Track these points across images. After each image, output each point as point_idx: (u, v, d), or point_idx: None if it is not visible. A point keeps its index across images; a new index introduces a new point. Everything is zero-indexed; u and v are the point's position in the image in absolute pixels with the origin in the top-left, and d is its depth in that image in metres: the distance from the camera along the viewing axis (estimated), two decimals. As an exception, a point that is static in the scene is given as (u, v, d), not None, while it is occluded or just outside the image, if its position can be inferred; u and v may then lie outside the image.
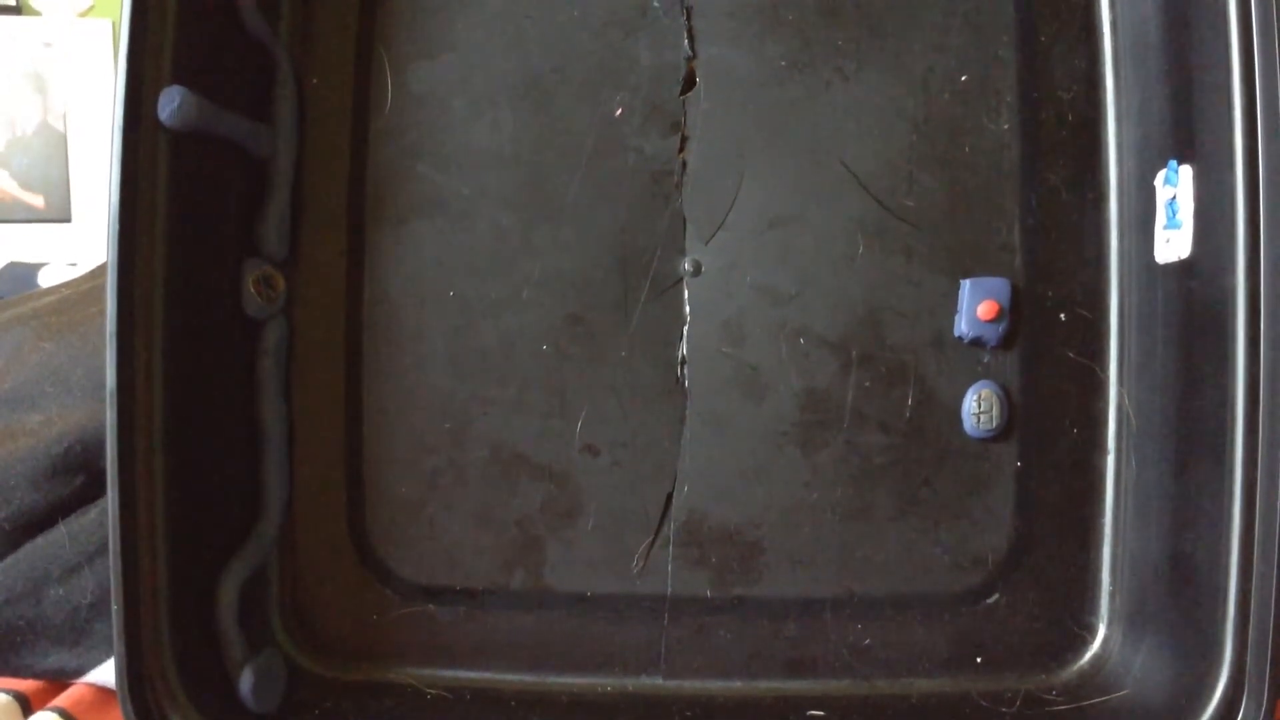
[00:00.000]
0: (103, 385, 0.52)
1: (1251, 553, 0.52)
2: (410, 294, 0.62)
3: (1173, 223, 0.57)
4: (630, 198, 0.62)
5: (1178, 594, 0.57)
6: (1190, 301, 0.57)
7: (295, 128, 0.61)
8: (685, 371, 0.62)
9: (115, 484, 0.51)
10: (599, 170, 0.62)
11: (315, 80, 0.62)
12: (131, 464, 0.52)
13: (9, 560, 0.61)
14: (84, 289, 0.73)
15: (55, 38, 2.30)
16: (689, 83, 0.62)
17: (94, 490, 0.63)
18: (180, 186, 0.54)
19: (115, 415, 0.51)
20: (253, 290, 0.59)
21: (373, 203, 0.62)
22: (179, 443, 0.55)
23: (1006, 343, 0.62)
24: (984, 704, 0.61)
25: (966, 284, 0.61)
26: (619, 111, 0.62)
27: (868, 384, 0.62)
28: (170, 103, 0.53)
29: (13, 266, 1.31)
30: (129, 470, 0.52)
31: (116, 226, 0.52)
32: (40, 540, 0.62)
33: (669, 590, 0.62)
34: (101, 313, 0.51)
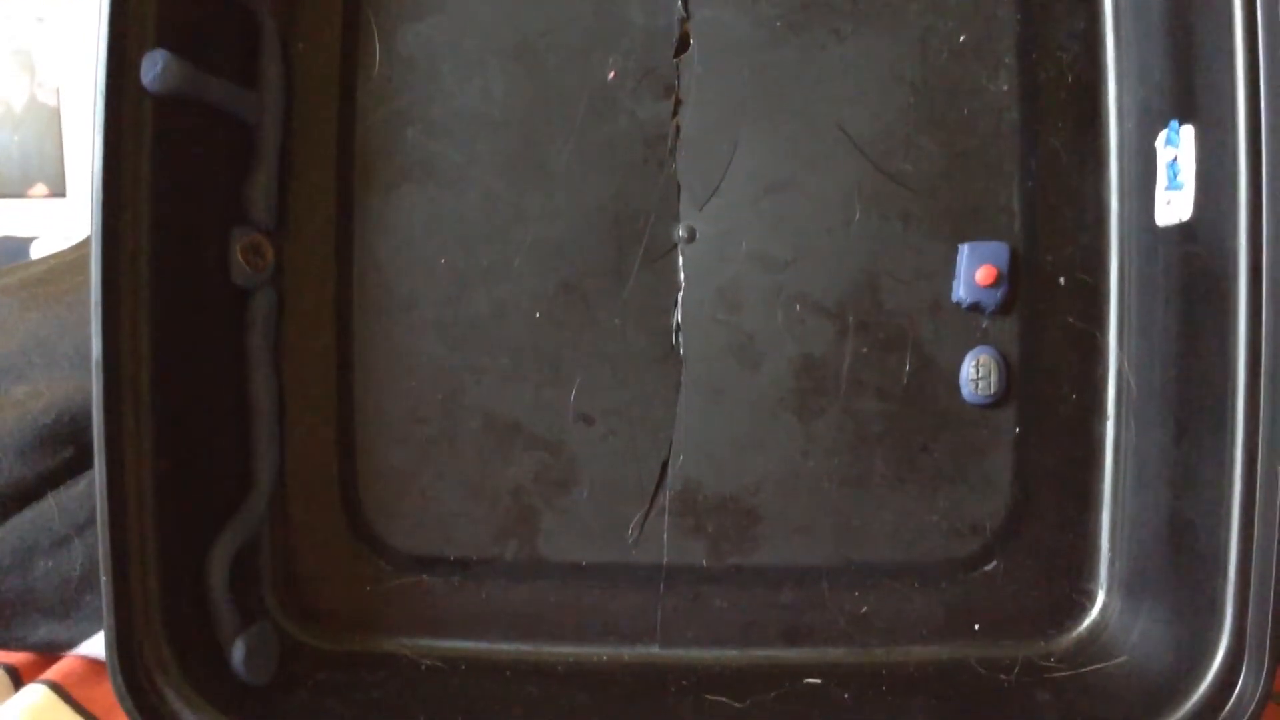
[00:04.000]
0: (89, 356, 0.51)
1: (1252, 518, 0.52)
2: (401, 262, 0.61)
3: (1174, 184, 0.56)
4: (623, 163, 0.61)
5: (1177, 560, 0.56)
6: (1191, 264, 0.56)
7: (282, 93, 0.60)
8: (680, 339, 0.61)
9: (102, 455, 0.51)
10: (592, 135, 0.61)
11: (302, 45, 0.61)
12: (119, 435, 0.52)
13: (-2, 533, 0.61)
14: (70, 259, 0.72)
15: (47, 12, 2.28)
16: (683, 45, 0.61)
17: (82, 462, 0.62)
18: (165, 153, 0.53)
19: (101, 386, 0.51)
20: (240, 259, 0.58)
21: (362, 169, 0.61)
22: (167, 414, 0.54)
23: (1005, 308, 0.61)
24: (982, 671, 0.60)
25: (965, 248, 0.61)
26: (612, 75, 0.61)
27: (865, 350, 0.61)
28: (153, 67, 0.52)
29: (5, 240, 1.30)
30: (116, 441, 0.51)
31: (100, 194, 0.51)
32: (29, 513, 0.61)
33: (665, 559, 0.62)
34: (88, 283, 0.50)
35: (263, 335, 0.60)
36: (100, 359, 0.51)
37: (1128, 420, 0.61)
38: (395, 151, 0.61)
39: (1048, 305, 0.61)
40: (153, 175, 0.53)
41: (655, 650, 0.62)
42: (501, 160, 0.61)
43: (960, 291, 0.60)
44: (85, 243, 0.78)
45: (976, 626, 0.62)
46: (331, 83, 0.61)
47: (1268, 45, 0.50)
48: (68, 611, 0.62)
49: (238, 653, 0.56)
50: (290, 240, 0.61)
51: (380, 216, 0.61)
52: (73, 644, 0.62)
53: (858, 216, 0.61)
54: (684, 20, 0.61)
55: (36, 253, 1.20)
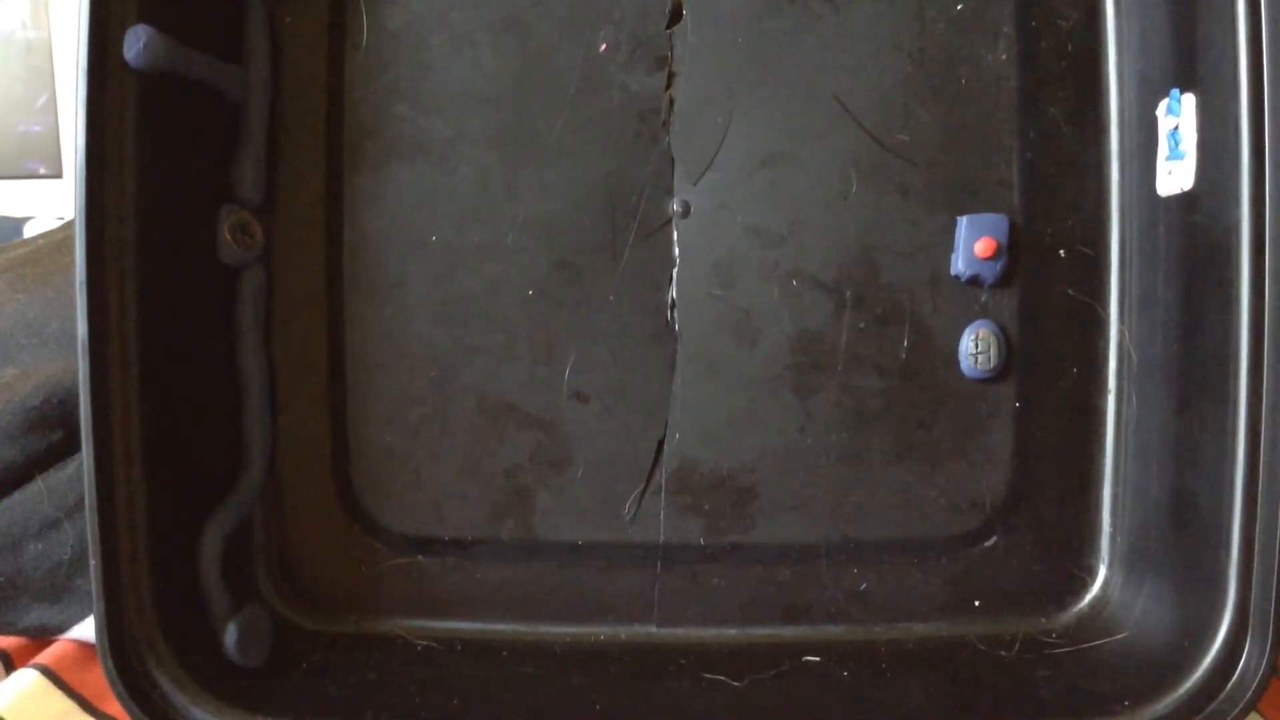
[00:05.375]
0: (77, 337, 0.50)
1: (1255, 492, 0.51)
2: (391, 240, 0.60)
3: (1175, 154, 0.56)
4: (616, 137, 0.60)
5: (1180, 535, 0.56)
6: (1193, 235, 0.55)
7: (268, 68, 0.59)
8: (675, 315, 0.61)
9: (90, 437, 0.50)
10: (584, 109, 0.60)
11: (288, 19, 0.60)
12: (106, 417, 0.51)
13: (-13, 517, 0.60)
14: (57, 239, 0.71)
15: (42, -9, 2.25)
16: (675, 15, 0.60)
17: (72, 444, 0.61)
18: (150, 131, 0.53)
19: (88, 366, 0.50)
20: (229, 237, 0.57)
21: (351, 146, 0.60)
22: (156, 395, 0.53)
23: (1004, 281, 0.60)
24: (982, 648, 0.60)
25: (963, 221, 0.60)
26: (603, 47, 0.60)
27: (862, 325, 0.60)
28: (136, 42, 0.51)
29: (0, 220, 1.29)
30: (104, 423, 0.51)
31: (84, 172, 0.50)
32: (18, 496, 0.61)
33: (661, 538, 0.61)
34: (74, 263, 0.50)
35: (252, 314, 0.59)
36: (86, 340, 0.50)
37: (1129, 394, 0.60)
38: (384, 127, 0.60)
39: (1048, 278, 0.61)
40: (137, 153, 0.52)
41: (653, 630, 0.62)
42: (492, 135, 0.60)
43: (959, 264, 0.60)
44: (73, 222, 0.77)
45: (977, 603, 0.61)
46: (319, 57, 0.60)
47: (1270, 12, 0.49)
48: (58, 595, 0.61)
49: (231, 635, 0.56)
50: (279, 218, 0.60)
51: (370, 193, 0.60)
52: (64, 628, 0.62)
53: (855, 189, 0.60)
54: (676, -10, 0.60)
55: (30, 233, 1.19)
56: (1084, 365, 0.61)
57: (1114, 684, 0.55)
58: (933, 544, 0.61)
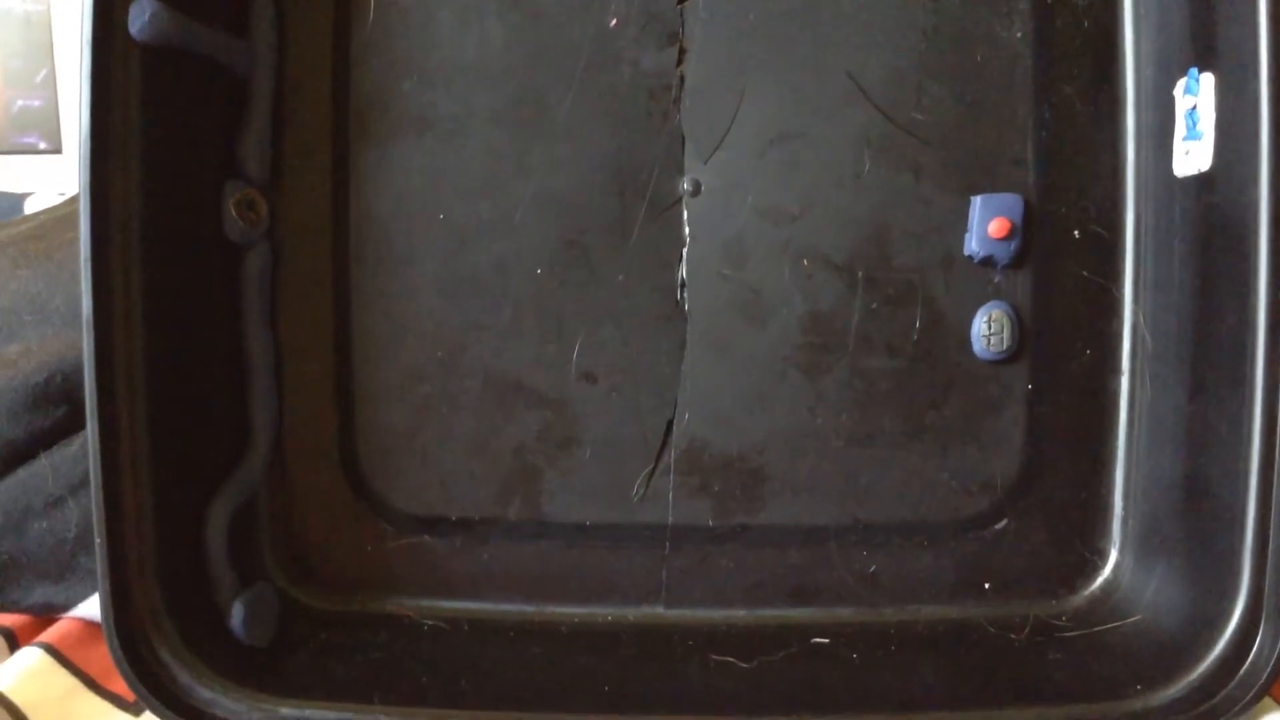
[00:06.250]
0: (81, 313, 0.50)
1: (1270, 475, 0.51)
2: (398, 217, 0.60)
3: (1193, 134, 0.55)
4: (626, 114, 0.60)
5: (1193, 518, 0.56)
6: (1210, 216, 0.54)
7: (274, 43, 0.58)
8: (685, 295, 0.60)
9: (94, 414, 0.50)
10: (593, 85, 0.59)
11: (294, -9, 0.59)
12: (111, 394, 0.51)
13: (-9, 494, 0.60)
14: (61, 214, 0.70)
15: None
16: (688, -10, 0.59)
17: (76, 421, 0.61)
18: (154, 105, 0.52)
19: (92, 343, 0.50)
20: (234, 214, 0.57)
21: (357, 121, 0.60)
22: (161, 372, 0.53)
23: (1018, 261, 0.60)
24: (992, 631, 0.60)
25: (977, 201, 0.59)
26: (614, 22, 0.59)
27: (874, 306, 0.60)
28: (140, 15, 0.50)
29: (-1, 196, 1.28)
30: (109, 400, 0.50)
31: (88, 146, 0.50)
32: (22, 473, 0.60)
33: (670, 519, 0.61)
34: (79, 239, 0.49)
35: (258, 292, 0.59)
36: (91, 316, 0.50)
37: (1143, 376, 0.60)
38: (391, 103, 0.59)
39: (1062, 259, 0.60)
40: (142, 128, 0.52)
41: (661, 611, 0.62)
42: (501, 112, 0.59)
43: (972, 245, 0.59)
44: (76, 198, 0.77)
45: (987, 586, 0.61)
46: (325, 32, 0.59)
47: (1291, -10, 0.49)
48: (63, 573, 0.61)
49: (237, 614, 0.56)
50: (285, 195, 0.60)
51: (377, 170, 0.60)
52: (69, 606, 0.61)
53: (867, 168, 0.59)
54: (689, -35, 0.59)
55: (31, 209, 1.18)
56: (1097, 347, 0.60)
57: (1125, 668, 0.55)
58: (943, 526, 0.61)
